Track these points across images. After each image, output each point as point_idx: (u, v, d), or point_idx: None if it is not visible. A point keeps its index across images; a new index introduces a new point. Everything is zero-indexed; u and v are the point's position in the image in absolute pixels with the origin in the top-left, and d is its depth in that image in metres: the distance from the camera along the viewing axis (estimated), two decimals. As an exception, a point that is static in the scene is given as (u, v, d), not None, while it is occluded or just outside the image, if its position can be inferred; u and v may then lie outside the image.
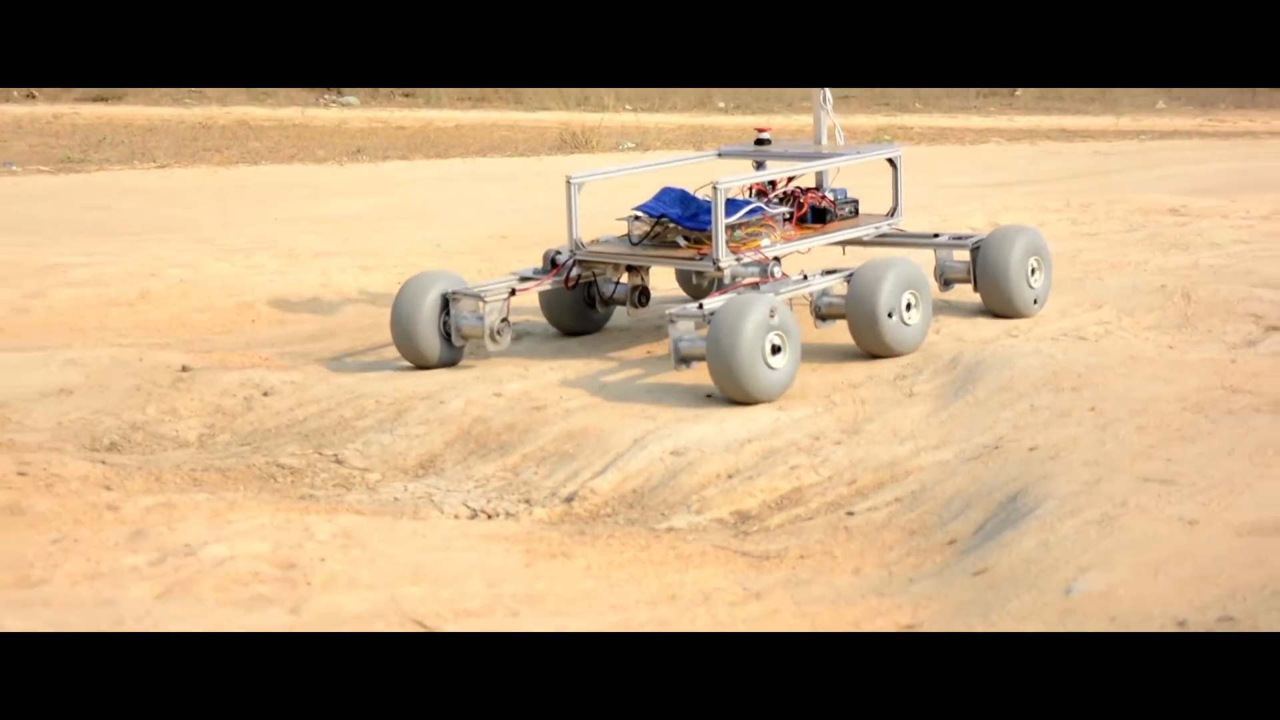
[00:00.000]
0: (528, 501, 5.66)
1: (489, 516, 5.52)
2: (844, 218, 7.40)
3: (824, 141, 7.64)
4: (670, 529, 5.33)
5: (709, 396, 6.28)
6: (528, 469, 5.90)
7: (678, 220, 6.87)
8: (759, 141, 7.64)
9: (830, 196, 7.39)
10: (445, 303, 6.82)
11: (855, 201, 7.49)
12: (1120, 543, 4.53)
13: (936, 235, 7.53)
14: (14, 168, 15.87)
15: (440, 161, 17.40)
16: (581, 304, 7.34)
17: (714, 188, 6.55)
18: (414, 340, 6.81)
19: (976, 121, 21.12)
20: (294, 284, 8.83)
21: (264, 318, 8.33)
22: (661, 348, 6.90)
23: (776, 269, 6.71)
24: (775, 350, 6.20)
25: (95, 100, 22.28)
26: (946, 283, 7.38)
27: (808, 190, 7.38)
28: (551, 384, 6.54)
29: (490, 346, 6.76)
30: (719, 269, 6.65)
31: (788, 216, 7.11)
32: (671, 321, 6.33)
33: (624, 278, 7.18)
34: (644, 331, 7.33)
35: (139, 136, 18.73)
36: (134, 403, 6.53)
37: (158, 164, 16.62)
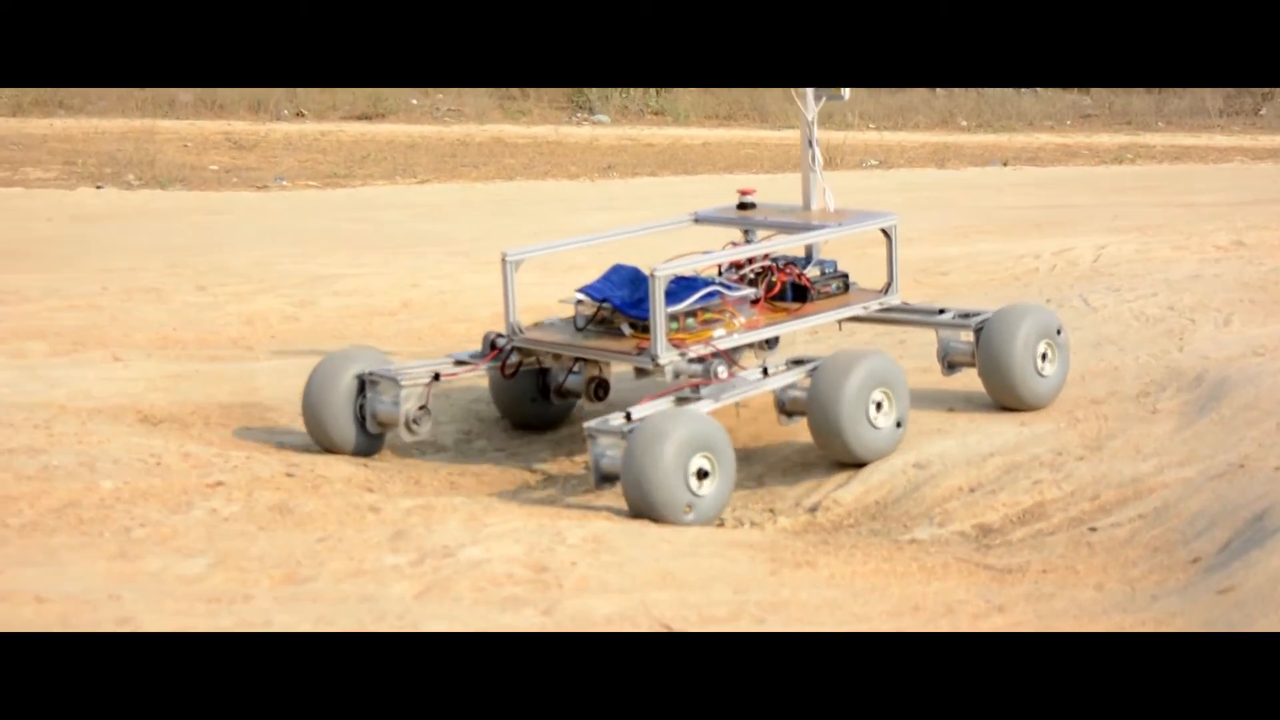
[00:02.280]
0: (772, 511, 5.64)
1: (736, 525, 5.52)
2: (829, 295, 6.29)
3: (814, 206, 6.61)
4: (913, 540, 5.28)
5: (951, 410, 6.21)
6: (773, 478, 5.88)
7: (620, 306, 5.88)
8: (742, 205, 6.59)
9: (815, 271, 6.33)
10: (362, 385, 5.99)
11: (845, 276, 6.38)
12: (1369, 564, 4.40)
13: (942, 311, 6.42)
14: (284, 182, 16.21)
15: (688, 178, 17.46)
16: (535, 393, 6.42)
17: (651, 275, 5.61)
18: (324, 425, 5.97)
19: (1220, 140, 20.64)
20: (548, 295, 8.89)
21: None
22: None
23: (721, 368, 5.69)
24: (702, 475, 5.32)
25: (360, 119, 22.68)
26: (950, 366, 6.34)
27: (786, 265, 6.27)
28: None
29: (405, 436, 5.95)
30: (657, 365, 5.70)
31: (755, 299, 6.08)
32: (591, 438, 5.43)
33: (575, 366, 6.17)
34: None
35: (400, 153, 19.02)
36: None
37: (418, 179, 16.88)
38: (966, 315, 6.31)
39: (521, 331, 6.03)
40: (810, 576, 4.73)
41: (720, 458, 5.34)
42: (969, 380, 6.31)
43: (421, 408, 5.94)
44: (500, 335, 6.08)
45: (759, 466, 5.97)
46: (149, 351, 7.38)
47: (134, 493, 5.24)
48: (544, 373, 6.32)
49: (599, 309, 5.93)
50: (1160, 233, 10.27)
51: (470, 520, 5.06)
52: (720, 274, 6.20)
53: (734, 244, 6.40)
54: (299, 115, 22.79)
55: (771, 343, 6.33)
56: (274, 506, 5.19)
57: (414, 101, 24.50)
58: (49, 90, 22.95)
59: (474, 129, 21.72)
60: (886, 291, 6.36)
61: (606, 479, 5.38)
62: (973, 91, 28.88)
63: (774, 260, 6.26)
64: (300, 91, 23.84)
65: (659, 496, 5.20)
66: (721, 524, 5.54)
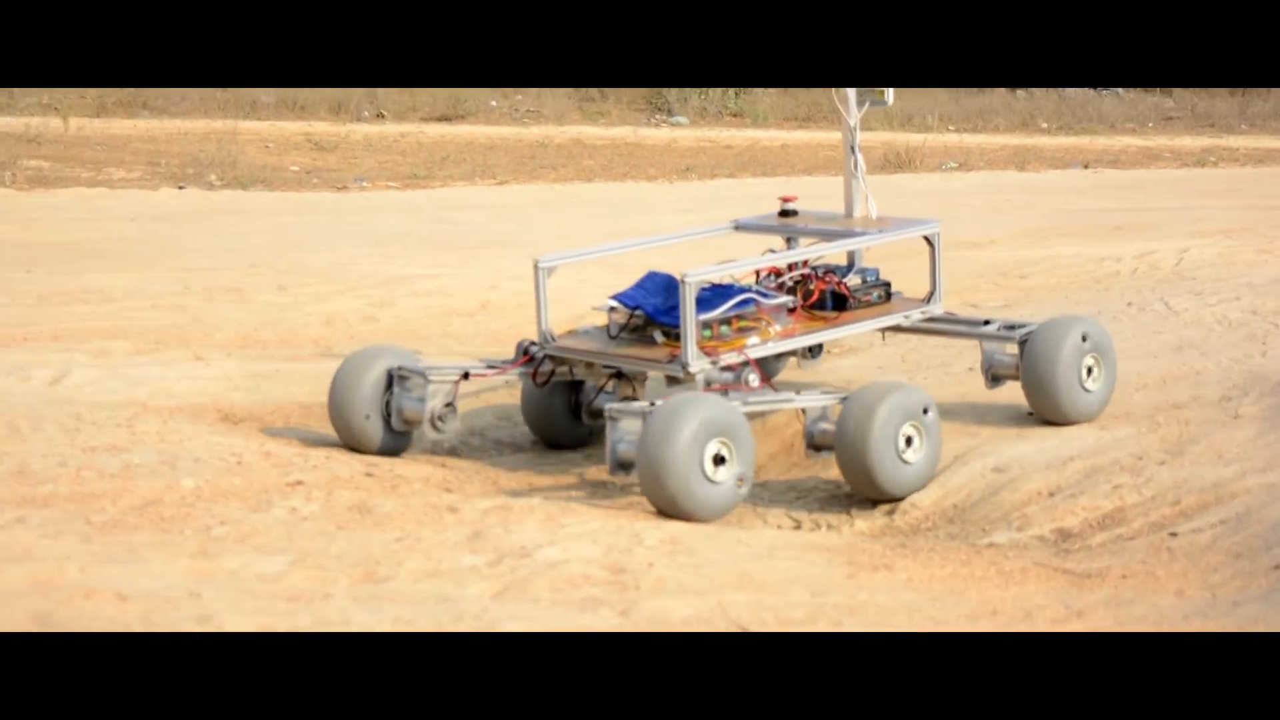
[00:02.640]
0: (849, 513, 5.62)
1: (814, 528, 5.50)
2: (869, 304, 6.16)
3: (856, 213, 6.46)
4: (991, 544, 5.25)
5: (1029, 414, 6.18)
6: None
7: (652, 314, 5.77)
8: (784, 213, 6.47)
9: (856, 279, 6.20)
10: (390, 381, 5.91)
11: (887, 284, 6.25)
12: None
13: (987, 322, 6.30)
14: (364, 183, 16.29)
15: (766, 179, 17.43)
16: (564, 411, 6.31)
17: (681, 281, 5.50)
18: (349, 421, 5.91)
19: (1304, 142, 20.46)
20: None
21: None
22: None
23: (752, 376, 5.63)
24: (719, 461, 5.24)
25: (439, 120, 22.75)
26: (995, 379, 6.19)
27: (826, 273, 6.17)
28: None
29: (430, 434, 5.86)
30: (688, 374, 5.55)
31: (792, 307, 5.94)
32: (612, 419, 5.37)
33: (609, 385, 6.09)
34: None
35: (480, 154, 19.08)
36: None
37: (497, 180, 16.92)
38: (1012, 327, 6.16)
39: (554, 339, 5.94)
40: (887, 580, 4.71)
41: (738, 443, 5.26)
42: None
43: (448, 405, 5.86)
44: (533, 343, 5.98)
45: (835, 469, 5.95)
46: (230, 351, 7.44)
47: (214, 491, 5.27)
48: (577, 390, 6.24)
49: (631, 317, 5.83)
50: (1243, 236, 10.19)
51: (548, 521, 5.07)
52: (758, 282, 6.10)
53: (771, 251, 6.33)
54: (379, 116, 22.89)
55: (815, 350, 6.29)
56: (353, 506, 5.22)
57: (493, 103, 24.56)
58: (132, 91, 23.14)
59: (553, 130, 21.76)
60: (929, 300, 6.21)
61: (622, 466, 5.34)
62: (1053, 94, 28.73)
63: (814, 268, 6.15)
64: (380, 93, 23.95)
65: (676, 475, 5.15)
66: (799, 526, 5.53)
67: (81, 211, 13.38)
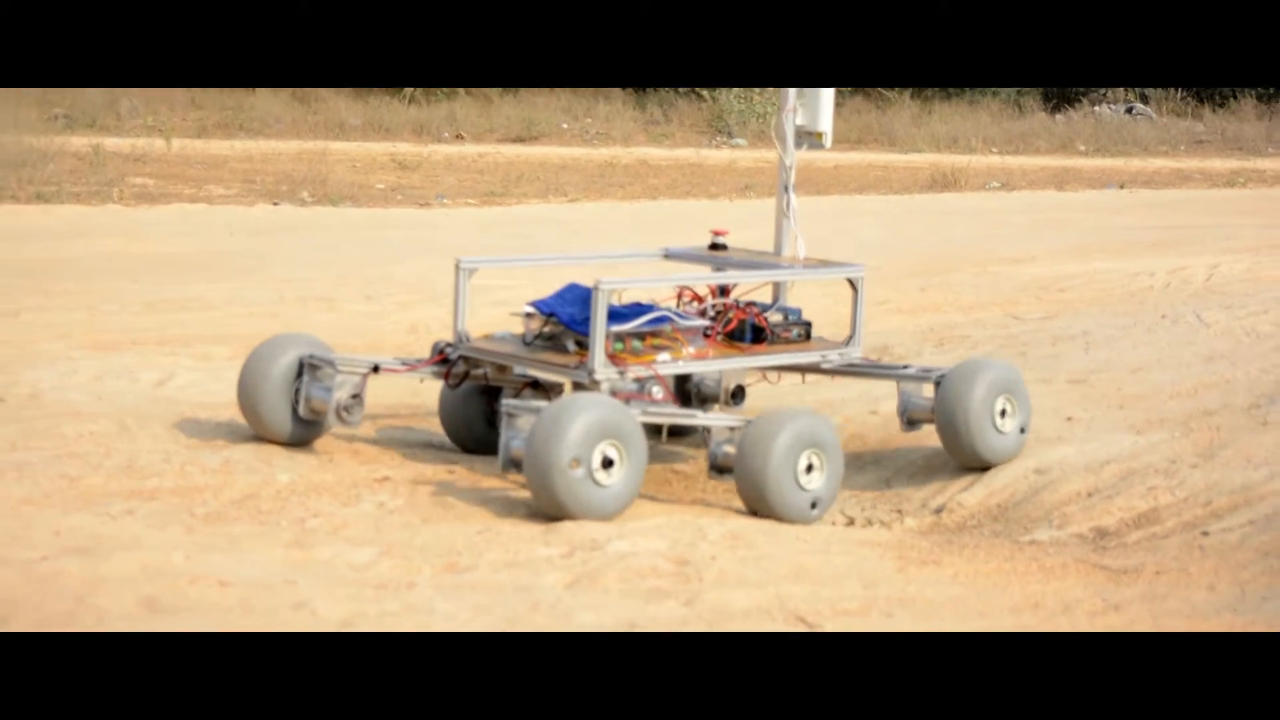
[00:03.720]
0: (899, 511, 5.61)
1: (866, 525, 5.50)
2: (788, 340, 5.80)
3: (785, 252, 6.09)
4: (1033, 541, 5.23)
5: (1069, 420, 6.15)
6: (900, 481, 5.85)
7: (567, 323, 5.51)
8: (714, 246, 6.15)
9: (777, 316, 5.88)
10: (300, 369, 5.59)
11: (808, 324, 5.88)
12: None
13: (906, 367, 6.00)
14: (445, 200, 16.35)
15: (820, 198, 17.40)
16: (480, 416, 5.97)
17: (595, 288, 5.20)
18: (257, 408, 5.60)
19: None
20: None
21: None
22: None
23: (656, 388, 5.35)
24: (607, 464, 4.96)
25: (514, 141, 22.82)
26: (910, 422, 5.83)
27: (747, 305, 5.84)
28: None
29: (333, 423, 5.56)
30: (593, 381, 5.27)
31: (707, 332, 5.64)
32: (508, 416, 5.10)
33: (523, 394, 5.75)
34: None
35: (552, 173, 19.12)
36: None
37: (569, 198, 16.95)
38: (927, 371, 5.85)
39: (469, 340, 5.71)
40: (936, 574, 4.70)
41: (628, 445, 4.97)
42: (1087, 394, 6.25)
43: (354, 396, 5.54)
44: (448, 344, 5.75)
45: (887, 470, 5.95)
46: (321, 356, 7.47)
47: (308, 486, 5.30)
48: (493, 396, 5.89)
49: (546, 323, 5.57)
50: (1271, 253, 10.12)
51: (617, 516, 5.08)
52: (679, 306, 5.80)
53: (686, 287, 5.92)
54: (459, 138, 22.96)
55: (738, 395, 5.92)
56: (436, 501, 5.24)
57: (564, 125, 24.61)
58: (231, 113, 23.28)
59: (620, 151, 21.79)
60: (848, 343, 5.86)
61: (514, 463, 5.05)
62: (1090, 118, 28.57)
63: (736, 301, 5.85)
64: (460, 115, 24.02)
65: (557, 477, 4.86)
66: (852, 523, 5.53)
67: (184, 226, 13.48)
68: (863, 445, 6.15)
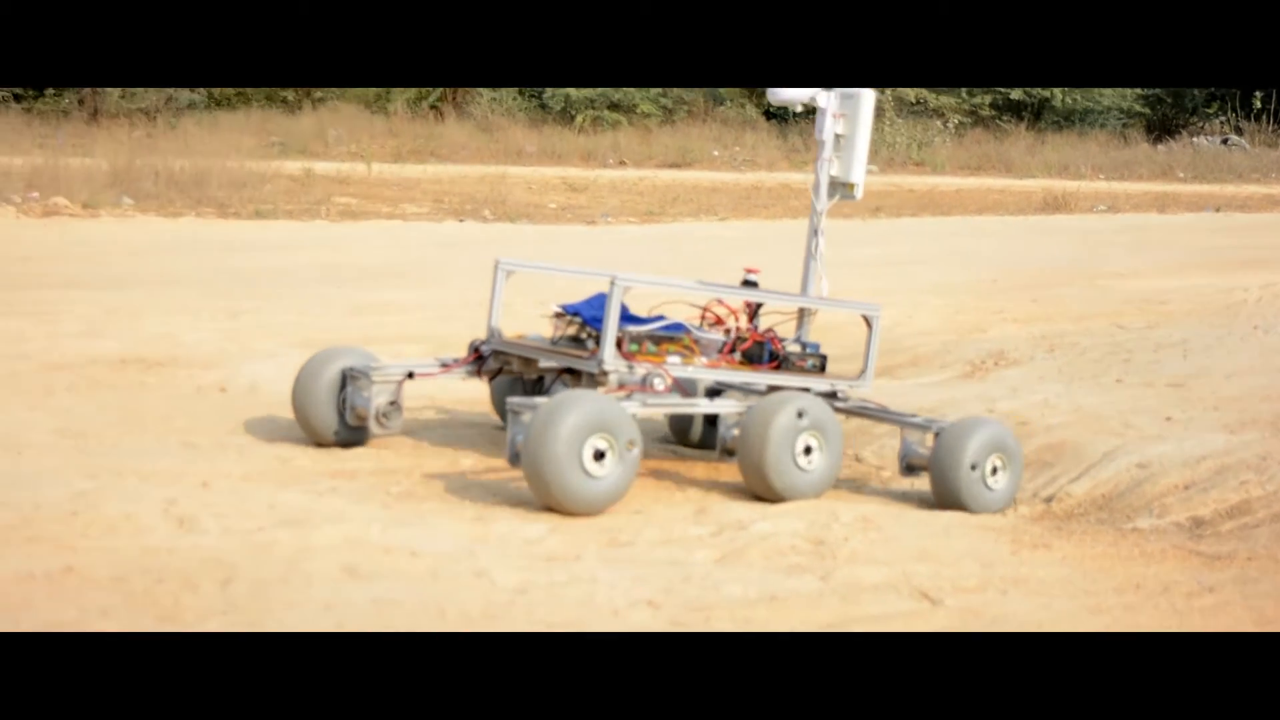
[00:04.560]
0: (1013, 500, 5.54)
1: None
2: (801, 369, 5.49)
3: (810, 292, 5.79)
4: (1134, 529, 5.14)
5: (1169, 419, 6.04)
6: (1014, 473, 5.77)
7: (588, 321, 5.38)
8: (746, 283, 5.78)
9: (796, 346, 5.56)
10: (344, 380, 5.48)
11: (823, 358, 5.57)
12: None
13: (912, 416, 5.54)
14: (609, 219, 16.41)
15: (943, 219, 17.25)
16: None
17: (611, 283, 5.01)
18: (308, 416, 5.49)
19: None
20: (827, 317, 8.86)
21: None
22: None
23: (658, 381, 5.08)
24: (599, 456, 4.72)
25: (670, 166, 22.84)
26: (909, 468, 5.44)
27: (766, 331, 5.55)
28: (1034, 404, 6.39)
29: (375, 429, 5.39)
30: (603, 371, 5.06)
31: (720, 347, 5.41)
32: (513, 413, 4.88)
33: (560, 379, 5.49)
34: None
35: (704, 195, 19.12)
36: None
37: (719, 217, 16.95)
38: (931, 422, 5.43)
39: (499, 337, 5.56)
40: (1046, 556, 4.64)
41: (618, 438, 4.71)
42: (1185, 397, 6.13)
43: (391, 403, 5.39)
44: (484, 342, 5.59)
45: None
46: (500, 354, 7.52)
47: (487, 468, 5.34)
48: (539, 384, 5.68)
49: (571, 323, 5.43)
50: None
51: (760, 500, 5.06)
52: (702, 326, 5.54)
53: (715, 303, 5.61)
54: (621, 163, 23.04)
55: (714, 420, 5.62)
56: (600, 484, 5.25)
57: (715, 153, 24.60)
58: (423, 140, 23.55)
59: (765, 176, 21.75)
60: (860, 377, 5.54)
61: (520, 456, 4.78)
62: (1189, 147, 28.03)
63: (755, 326, 5.57)
64: (623, 143, 24.09)
65: (557, 469, 4.64)
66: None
67: (381, 239, 13.66)
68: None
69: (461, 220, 15.51)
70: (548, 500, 4.70)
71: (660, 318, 5.39)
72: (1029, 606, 4.06)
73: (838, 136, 5.76)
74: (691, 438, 6.01)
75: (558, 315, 5.48)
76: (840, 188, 5.81)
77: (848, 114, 5.74)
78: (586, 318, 5.39)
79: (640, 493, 5.16)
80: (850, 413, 5.58)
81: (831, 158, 5.77)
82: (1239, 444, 5.71)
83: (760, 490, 5.06)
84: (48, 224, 13.81)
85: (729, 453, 5.20)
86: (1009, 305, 9.67)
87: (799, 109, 5.93)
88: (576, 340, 5.42)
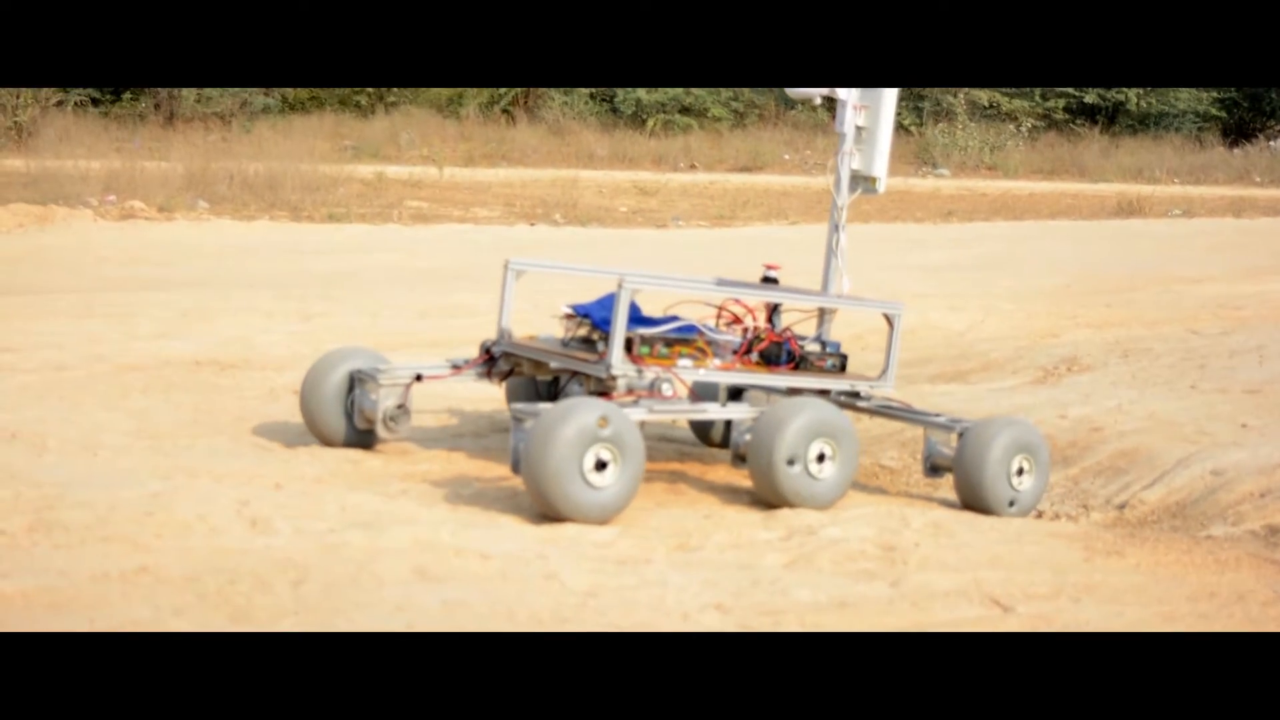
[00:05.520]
0: (1085, 507, 5.50)
1: (1054, 518, 5.39)
2: (820, 369, 5.33)
3: (830, 289, 5.63)
4: (1208, 536, 5.09)
5: (1244, 426, 5.97)
6: (1086, 480, 5.73)
7: (598, 324, 5.20)
8: (766, 279, 5.70)
9: (815, 346, 5.41)
10: (352, 382, 5.38)
11: (844, 357, 5.41)
12: None
13: (937, 415, 5.41)
14: (680, 222, 16.41)
15: (1016, 223, 17.14)
16: (546, 399, 5.55)
17: (619, 284, 4.83)
18: (315, 418, 5.40)
19: None
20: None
21: (869, 346, 8.35)
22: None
23: (667, 386, 4.93)
24: (600, 466, 4.56)
25: (741, 170, 22.81)
26: (934, 469, 5.32)
27: (784, 330, 5.40)
28: (1107, 410, 6.34)
29: (382, 433, 5.28)
30: (610, 376, 4.90)
31: (735, 349, 5.24)
32: (516, 420, 4.73)
33: (573, 379, 5.31)
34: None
35: (774, 199, 19.09)
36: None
37: (789, 220, 16.91)
38: (955, 421, 5.31)
39: (510, 338, 5.42)
40: (1119, 564, 4.59)
41: (624, 449, 4.58)
42: (1261, 404, 6.06)
43: (399, 407, 5.30)
44: (495, 343, 5.47)
45: (1075, 469, 5.82)
46: (570, 358, 7.53)
47: (558, 472, 5.34)
48: (555, 383, 5.52)
49: (581, 324, 5.26)
50: None
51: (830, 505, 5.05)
52: (718, 326, 5.40)
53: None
54: (692, 167, 23.04)
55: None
56: (668, 488, 5.25)
57: (786, 156, 24.56)
58: (494, 144, 23.64)
59: (835, 179, 21.67)
60: (881, 377, 5.39)
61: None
62: (1266, 151, 27.71)
63: (772, 325, 5.45)
64: (694, 147, 24.08)
65: (554, 479, 4.50)
66: (1040, 516, 5.43)
67: (453, 243, 13.72)
68: (1052, 446, 6.03)
69: (533, 224, 15.55)
70: (547, 510, 4.59)
71: (673, 318, 5.24)
72: (1101, 614, 4.02)
73: (859, 129, 5.61)
74: (713, 438, 5.97)
75: (568, 316, 5.33)
76: (862, 182, 5.68)
77: (869, 106, 5.58)
78: (596, 319, 5.23)
79: (710, 496, 5.15)
80: (873, 413, 5.46)
81: (852, 150, 5.62)
82: (1316, 451, 5.64)
83: (771, 499, 4.94)
84: (124, 227, 13.97)
85: (741, 458, 5.05)
86: (1082, 310, 9.60)
87: (818, 101, 5.75)
88: (588, 342, 5.26)
